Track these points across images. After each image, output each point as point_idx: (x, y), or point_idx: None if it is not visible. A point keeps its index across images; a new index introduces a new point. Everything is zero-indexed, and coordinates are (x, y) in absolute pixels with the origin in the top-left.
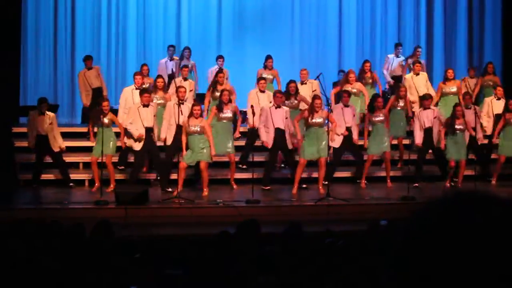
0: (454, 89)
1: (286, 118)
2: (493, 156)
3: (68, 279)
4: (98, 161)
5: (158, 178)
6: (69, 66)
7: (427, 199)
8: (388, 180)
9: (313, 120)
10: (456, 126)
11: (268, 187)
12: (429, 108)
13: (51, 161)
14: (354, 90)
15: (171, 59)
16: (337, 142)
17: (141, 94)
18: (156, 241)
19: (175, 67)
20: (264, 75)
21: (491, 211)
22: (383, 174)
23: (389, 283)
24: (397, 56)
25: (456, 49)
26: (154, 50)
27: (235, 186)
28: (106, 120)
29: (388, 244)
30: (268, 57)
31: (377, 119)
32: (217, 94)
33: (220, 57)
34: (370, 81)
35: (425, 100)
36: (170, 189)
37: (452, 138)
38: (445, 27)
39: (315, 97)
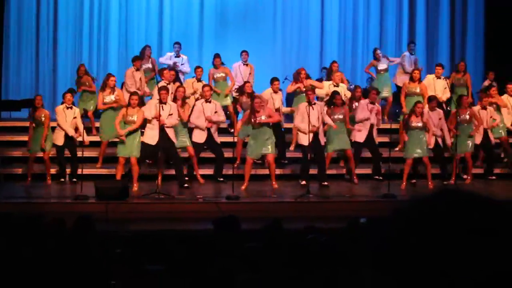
0: (417, 90)
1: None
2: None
3: (48, 273)
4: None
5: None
6: (51, 62)
7: (411, 197)
8: (355, 177)
9: (256, 119)
10: (413, 124)
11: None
12: (435, 109)
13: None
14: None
15: (177, 56)
16: (304, 139)
17: (159, 90)
18: (136, 236)
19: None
20: (216, 74)
21: (475, 209)
22: (362, 171)
23: (372, 281)
24: (412, 54)
25: (438, 49)
26: (136, 46)
27: (201, 181)
28: (42, 117)
29: (370, 241)
30: (216, 55)
31: (335, 116)
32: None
33: (244, 52)
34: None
35: (432, 102)
36: (187, 185)
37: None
38: (427, 27)
39: (255, 96)
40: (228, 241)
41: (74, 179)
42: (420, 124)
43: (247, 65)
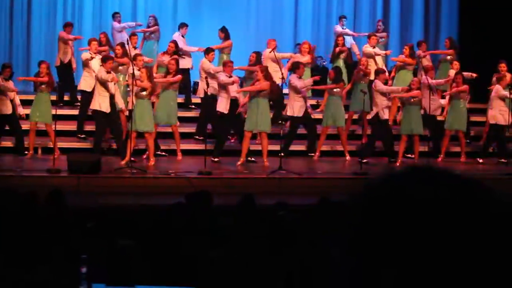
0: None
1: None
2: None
3: (20, 247)
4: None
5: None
6: (25, 33)
7: (383, 174)
8: (346, 154)
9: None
10: (411, 100)
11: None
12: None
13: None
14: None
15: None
16: (297, 110)
17: (104, 61)
18: (108, 210)
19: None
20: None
21: (448, 185)
22: (326, 148)
23: (344, 258)
24: (343, 28)
25: (413, 24)
26: (110, 17)
27: (180, 157)
28: (43, 85)
29: (342, 219)
30: (221, 29)
31: (334, 91)
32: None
33: (184, 25)
34: (342, 55)
35: (381, 74)
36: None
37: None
38: (401, 2)
39: (261, 66)
40: (199, 217)
41: (26, 152)
42: (416, 99)
43: (183, 37)
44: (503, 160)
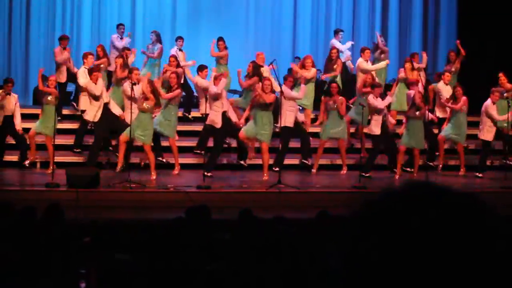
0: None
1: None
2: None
3: (18, 261)
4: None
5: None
6: (24, 46)
7: (382, 189)
8: (344, 168)
9: (260, 100)
10: (412, 115)
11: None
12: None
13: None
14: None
15: (122, 38)
16: (288, 121)
17: (89, 73)
18: (106, 225)
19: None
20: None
21: (445, 202)
22: (325, 162)
23: (342, 270)
24: (339, 42)
25: (411, 38)
26: (109, 29)
27: (177, 171)
28: (49, 97)
29: (341, 232)
30: (220, 38)
31: (329, 105)
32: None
33: (179, 38)
34: (338, 69)
35: (376, 88)
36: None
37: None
38: (400, 15)
39: (265, 78)
40: (197, 231)
41: (25, 163)
42: (417, 114)
43: (181, 50)
44: (478, 174)
